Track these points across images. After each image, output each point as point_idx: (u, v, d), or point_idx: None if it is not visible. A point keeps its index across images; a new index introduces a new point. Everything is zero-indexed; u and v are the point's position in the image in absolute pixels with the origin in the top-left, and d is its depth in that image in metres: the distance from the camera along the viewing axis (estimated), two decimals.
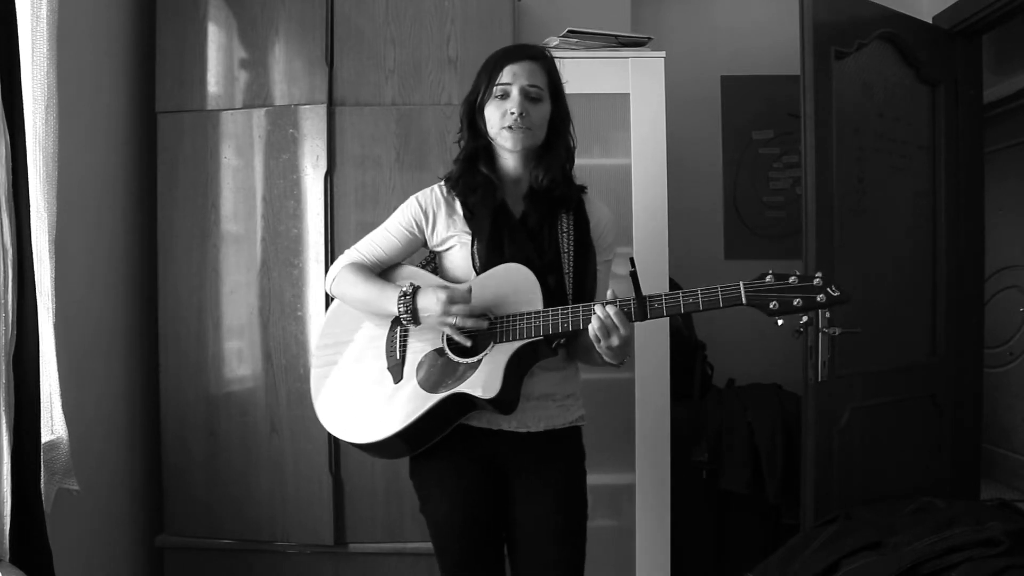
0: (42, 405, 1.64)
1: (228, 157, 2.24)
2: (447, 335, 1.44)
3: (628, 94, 2.24)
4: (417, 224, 1.54)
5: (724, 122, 3.33)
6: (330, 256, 2.19)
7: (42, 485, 1.62)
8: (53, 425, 1.74)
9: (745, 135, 3.32)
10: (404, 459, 1.58)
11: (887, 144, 2.44)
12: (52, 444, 1.73)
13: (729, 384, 2.97)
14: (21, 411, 1.55)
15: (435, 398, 1.41)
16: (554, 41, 2.26)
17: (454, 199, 1.53)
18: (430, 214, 1.54)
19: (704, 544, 2.68)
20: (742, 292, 1.30)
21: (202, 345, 2.24)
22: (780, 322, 1.30)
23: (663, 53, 2.25)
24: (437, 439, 1.48)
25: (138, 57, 2.31)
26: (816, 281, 1.28)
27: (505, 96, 1.46)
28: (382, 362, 1.50)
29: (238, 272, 2.25)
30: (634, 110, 2.24)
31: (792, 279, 1.29)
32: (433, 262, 1.60)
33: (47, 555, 1.60)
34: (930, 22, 2.69)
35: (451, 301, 1.38)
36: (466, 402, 1.42)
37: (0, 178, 1.51)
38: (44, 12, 1.65)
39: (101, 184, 2.16)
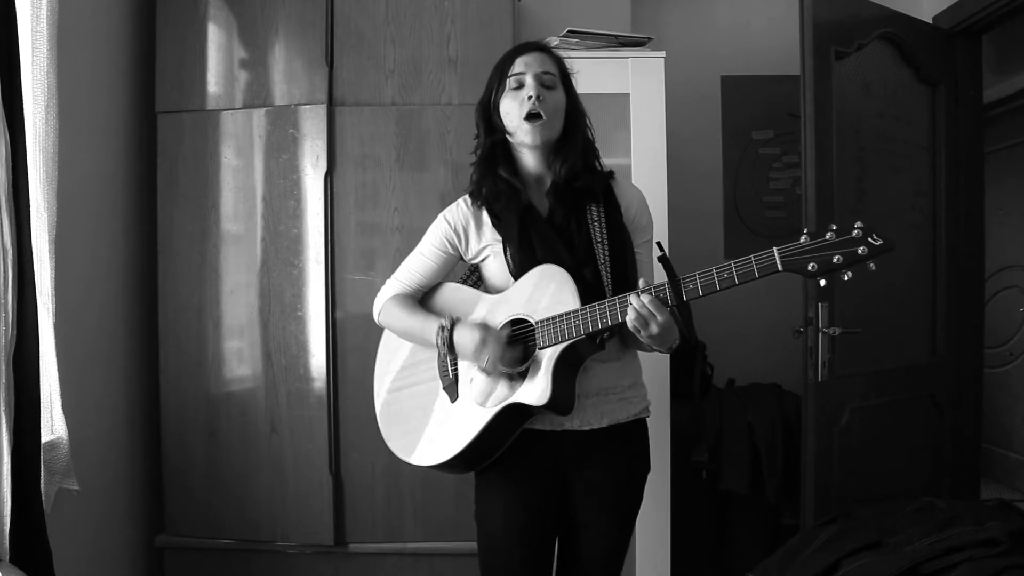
0: (42, 405, 1.64)
1: (228, 157, 2.24)
2: None
3: (628, 94, 2.24)
4: (450, 243, 1.55)
5: (724, 122, 3.33)
6: (330, 256, 2.19)
7: (42, 485, 1.62)
8: (53, 425, 1.74)
9: (745, 135, 3.32)
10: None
11: (887, 144, 2.44)
12: (52, 444, 1.73)
13: (729, 384, 2.97)
14: (21, 411, 1.55)
15: (492, 411, 1.41)
16: (554, 41, 2.26)
17: (480, 209, 1.53)
18: (460, 230, 1.54)
19: (704, 544, 2.68)
20: (777, 258, 1.21)
21: (202, 345, 2.24)
22: (823, 283, 1.22)
23: (663, 53, 2.25)
24: (506, 446, 1.47)
25: (138, 57, 2.31)
26: (855, 232, 1.19)
27: (520, 86, 1.46)
28: (438, 383, 1.52)
29: (238, 272, 2.25)
30: (634, 110, 2.24)
31: (829, 235, 1.20)
32: (475, 275, 1.60)
33: (47, 555, 1.60)
34: (930, 22, 2.69)
35: (484, 342, 1.39)
36: (523, 410, 1.41)
37: (0, 178, 1.51)
38: (44, 12, 1.65)
39: (101, 184, 2.16)
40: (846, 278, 1.21)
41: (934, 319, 2.59)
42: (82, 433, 1.89)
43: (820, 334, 2.18)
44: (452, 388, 1.49)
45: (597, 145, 1.57)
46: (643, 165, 2.24)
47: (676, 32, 3.20)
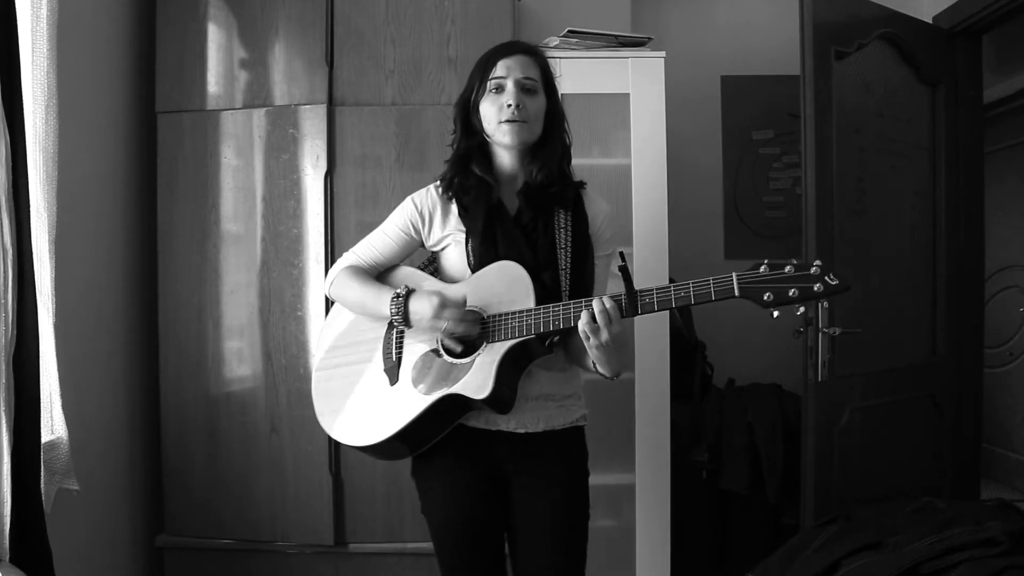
0: (42, 405, 1.64)
1: (228, 157, 2.24)
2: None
3: (628, 94, 2.24)
4: (413, 225, 1.54)
5: (724, 122, 3.33)
6: (330, 256, 2.19)
7: (42, 485, 1.62)
8: (53, 425, 1.74)
9: (745, 135, 3.32)
10: (405, 459, 1.58)
11: (887, 144, 2.44)
12: (52, 444, 1.73)
13: (729, 384, 2.97)
14: (21, 411, 1.55)
15: (429, 399, 1.41)
16: (554, 41, 2.26)
17: (450, 199, 1.53)
18: (426, 215, 1.54)
19: (704, 544, 2.68)
20: (735, 284, 1.25)
21: (202, 345, 2.24)
22: (776, 314, 1.26)
23: (663, 53, 2.25)
24: (436, 439, 1.47)
25: (138, 57, 2.31)
26: (813, 270, 1.23)
27: (500, 90, 1.46)
28: (379, 364, 1.50)
29: (238, 272, 2.25)
30: (634, 110, 2.24)
31: (788, 268, 1.24)
32: (434, 263, 1.60)
33: (47, 555, 1.60)
34: (930, 22, 2.68)
35: (443, 305, 1.38)
36: (461, 403, 1.41)
37: (0, 178, 1.51)
38: (44, 12, 1.65)
39: (101, 184, 2.16)
40: (799, 312, 1.27)
41: (934, 319, 2.59)
42: (82, 433, 1.89)
43: (820, 334, 2.18)
44: (393, 371, 1.48)
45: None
46: (643, 165, 2.24)
47: (676, 32, 3.20)
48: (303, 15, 2.22)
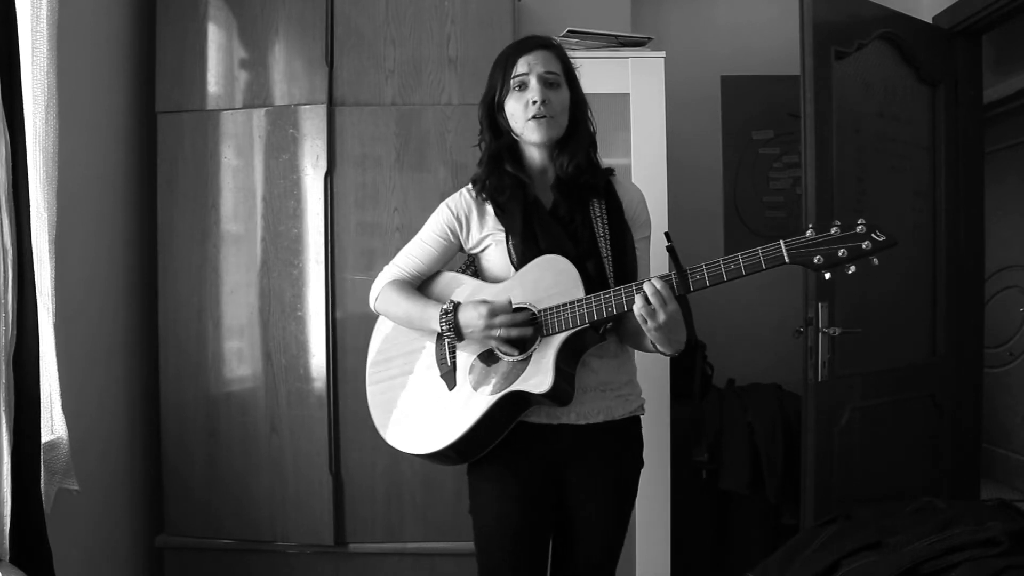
0: (42, 405, 1.64)
1: (228, 157, 2.24)
2: None
3: (628, 94, 2.24)
4: (451, 230, 1.55)
5: (724, 122, 3.33)
6: (330, 256, 2.19)
7: (42, 485, 1.62)
8: (53, 425, 1.74)
9: (745, 135, 3.32)
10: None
11: (887, 144, 2.44)
12: (52, 444, 1.73)
13: (729, 384, 2.97)
14: (21, 411, 1.55)
15: (491, 399, 1.41)
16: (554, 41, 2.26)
17: (484, 201, 1.53)
18: (463, 218, 1.54)
19: (704, 544, 2.68)
20: (784, 251, 1.25)
21: (202, 345, 2.24)
22: (828, 276, 1.26)
23: (663, 53, 2.25)
24: (501, 437, 1.47)
25: (138, 57, 2.31)
26: (859, 228, 1.24)
27: (524, 87, 1.46)
28: (434, 371, 1.51)
29: (238, 272, 2.25)
30: (634, 110, 2.24)
31: (834, 229, 1.25)
32: (473, 265, 1.60)
33: (47, 555, 1.60)
34: (930, 22, 2.69)
35: (492, 314, 1.38)
36: (522, 399, 1.41)
37: (0, 178, 1.51)
38: (44, 12, 1.65)
39: (101, 184, 2.16)
40: (850, 271, 1.25)
41: (934, 319, 2.59)
42: (82, 433, 1.89)
43: (820, 334, 2.18)
44: (450, 376, 1.48)
45: (597, 142, 1.57)
46: (643, 165, 2.24)
47: (676, 32, 3.20)
48: (303, 15, 2.22)
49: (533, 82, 1.45)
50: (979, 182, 2.70)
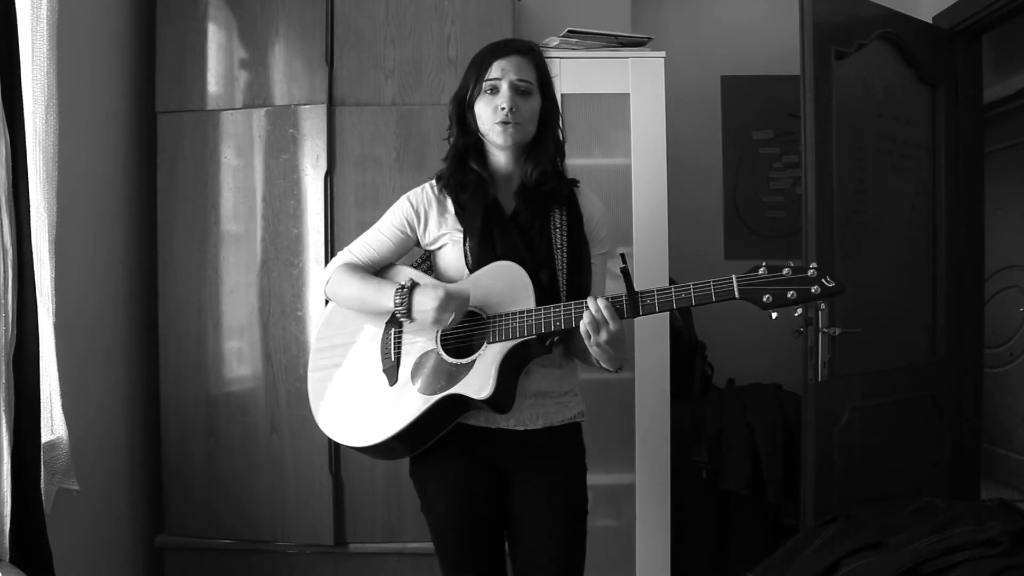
0: (42, 405, 1.64)
1: (228, 157, 2.24)
2: (441, 336, 1.45)
3: (628, 94, 2.24)
4: (409, 223, 1.55)
5: (724, 122, 3.33)
6: (330, 256, 2.19)
7: (42, 485, 1.62)
8: (53, 425, 1.74)
9: (745, 135, 3.32)
10: (404, 460, 1.58)
11: (887, 144, 2.44)
12: (52, 444, 1.73)
13: (729, 384, 2.97)
14: (21, 411, 1.55)
15: (430, 400, 1.41)
16: (554, 41, 2.26)
17: (445, 198, 1.53)
18: (422, 213, 1.54)
19: (704, 544, 2.68)
20: (735, 285, 1.29)
21: (202, 345, 2.24)
22: (775, 315, 1.29)
23: (663, 53, 2.25)
24: (435, 439, 1.48)
25: (138, 57, 2.31)
26: (811, 272, 1.27)
27: (495, 91, 1.46)
28: (377, 364, 1.50)
29: (238, 272, 2.24)
30: (634, 110, 2.24)
31: (786, 271, 1.28)
32: (427, 262, 1.60)
33: (47, 555, 1.60)
34: (930, 22, 2.69)
35: (449, 298, 1.38)
36: (461, 403, 1.42)
37: (0, 178, 1.51)
38: (44, 12, 1.65)
39: (101, 184, 2.16)
40: (797, 314, 1.30)
41: (934, 319, 2.59)
42: (82, 433, 1.89)
43: (820, 334, 2.18)
44: (392, 370, 1.48)
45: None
46: (643, 165, 2.24)
47: (676, 32, 3.20)
48: (303, 15, 2.22)
49: (504, 88, 1.45)
50: (979, 182, 2.70)
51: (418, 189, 1.58)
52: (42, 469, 1.62)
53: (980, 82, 2.70)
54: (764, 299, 1.28)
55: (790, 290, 1.27)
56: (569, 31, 2.24)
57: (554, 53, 2.22)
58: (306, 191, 2.21)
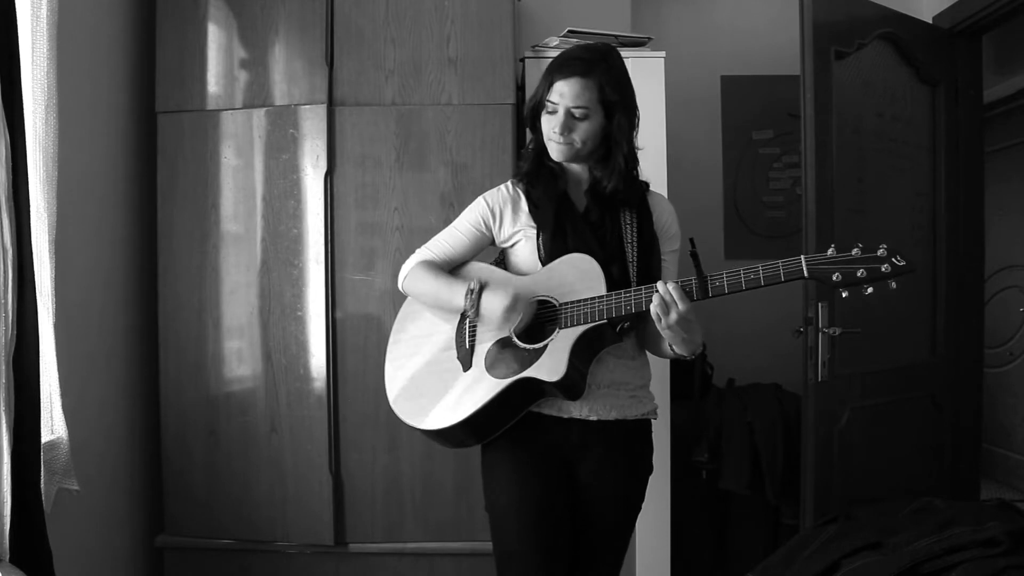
0: (42, 405, 1.64)
1: (228, 157, 2.24)
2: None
3: None
4: (485, 222, 1.59)
5: (724, 122, 3.33)
6: (330, 256, 2.19)
7: (42, 485, 1.62)
8: (53, 425, 1.74)
9: (745, 135, 3.32)
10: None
11: (887, 144, 2.44)
12: (52, 444, 1.73)
13: (729, 384, 2.97)
14: (21, 411, 1.55)
15: (503, 383, 1.44)
16: (554, 41, 2.26)
17: (519, 196, 1.58)
18: (497, 212, 1.58)
19: (704, 544, 2.68)
20: (803, 265, 1.29)
21: (202, 345, 2.24)
22: (845, 294, 1.29)
23: (663, 53, 2.25)
24: (508, 425, 1.49)
25: (138, 57, 2.31)
26: (880, 252, 1.27)
27: (554, 112, 1.49)
28: (452, 353, 1.54)
29: (238, 272, 2.24)
30: None
31: (855, 251, 1.28)
32: (502, 264, 1.63)
33: (47, 555, 1.60)
34: (930, 22, 2.69)
35: (516, 301, 1.43)
36: (533, 387, 1.44)
37: (0, 178, 1.51)
38: (44, 12, 1.65)
39: (101, 184, 2.16)
40: (867, 292, 1.29)
41: (934, 319, 2.59)
42: (82, 433, 1.89)
43: (820, 334, 2.18)
44: (467, 357, 1.51)
45: (639, 159, 1.60)
46: (643, 165, 2.22)
47: (676, 32, 3.20)
48: (303, 15, 2.22)
49: (560, 112, 1.48)
50: (979, 182, 2.70)
51: (494, 189, 1.62)
52: (42, 469, 1.62)
53: (980, 82, 2.70)
54: (834, 278, 1.28)
55: (860, 268, 1.27)
56: (569, 31, 2.24)
57: (553, 53, 2.21)
58: (306, 191, 2.21)
